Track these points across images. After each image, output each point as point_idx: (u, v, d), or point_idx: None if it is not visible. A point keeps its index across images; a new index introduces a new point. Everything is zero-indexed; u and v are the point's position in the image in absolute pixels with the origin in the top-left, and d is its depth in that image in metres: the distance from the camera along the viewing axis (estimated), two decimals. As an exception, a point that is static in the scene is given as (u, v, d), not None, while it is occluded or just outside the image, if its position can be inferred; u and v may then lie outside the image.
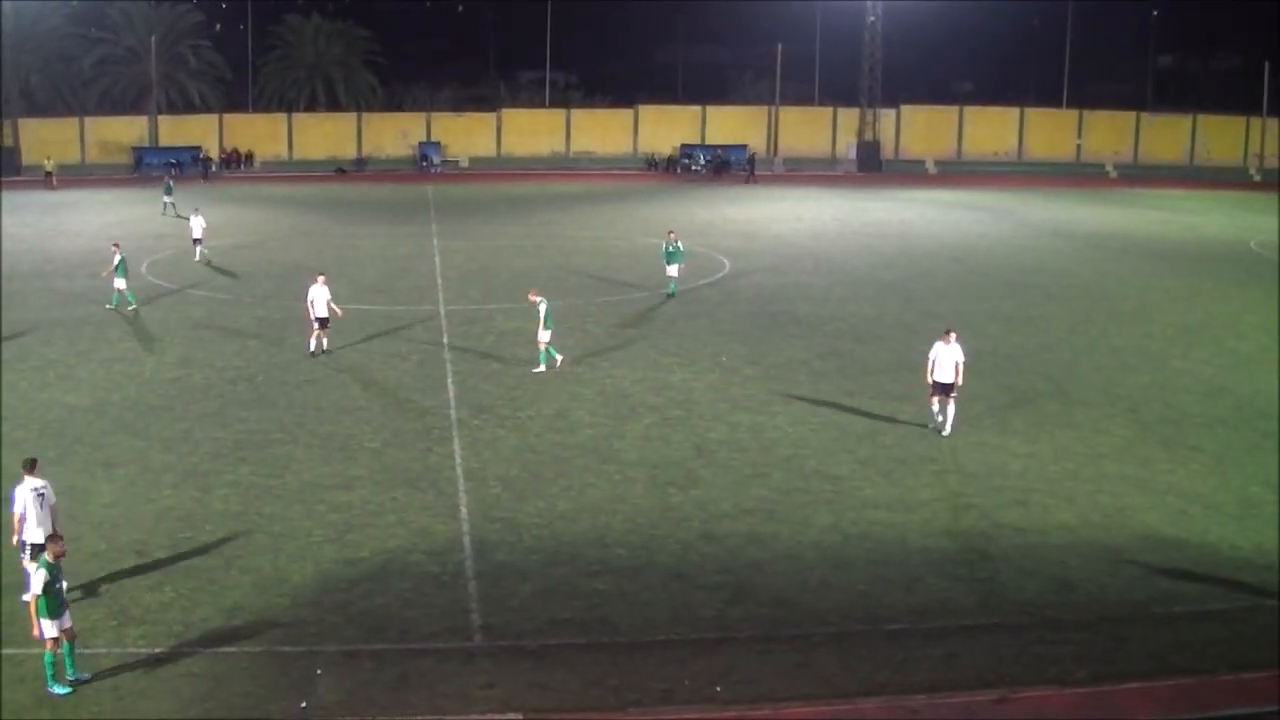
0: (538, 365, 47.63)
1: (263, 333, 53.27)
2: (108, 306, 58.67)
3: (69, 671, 24.46)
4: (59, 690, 24.11)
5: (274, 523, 32.46)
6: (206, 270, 70.11)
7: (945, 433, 39.86)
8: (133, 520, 32.63)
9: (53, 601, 24.12)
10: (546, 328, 47.40)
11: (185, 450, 38.44)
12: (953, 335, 40.20)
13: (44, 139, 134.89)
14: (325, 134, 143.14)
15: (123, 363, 49.77)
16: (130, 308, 58.55)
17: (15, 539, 27.77)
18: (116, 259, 58.52)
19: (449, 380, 46.04)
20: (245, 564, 29.84)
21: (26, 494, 27.64)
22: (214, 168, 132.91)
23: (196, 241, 72.60)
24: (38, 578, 24.04)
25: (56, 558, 24.56)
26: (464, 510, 33.16)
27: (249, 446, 38.65)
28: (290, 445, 38.77)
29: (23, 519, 27.48)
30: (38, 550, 26.27)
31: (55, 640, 24.24)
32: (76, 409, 43.28)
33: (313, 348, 49.87)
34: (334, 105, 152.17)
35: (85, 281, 64.14)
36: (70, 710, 23.62)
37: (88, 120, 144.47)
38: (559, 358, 47.87)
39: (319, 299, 49.59)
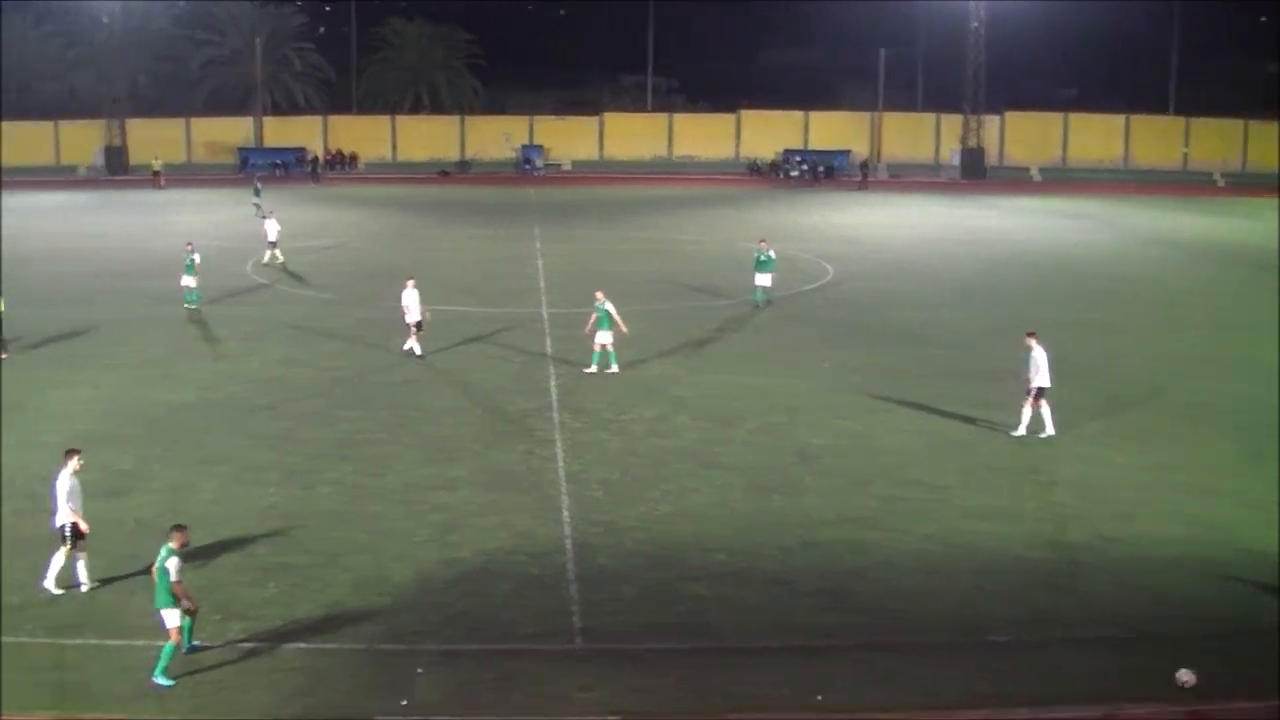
0: (590, 366, 47.70)
1: (364, 333, 53.53)
2: (188, 306, 59.20)
3: (185, 642, 25.14)
4: (164, 682, 24.31)
5: (376, 522, 32.62)
6: (310, 270, 70.54)
7: (1047, 434, 39.65)
8: (235, 517, 32.87)
9: (160, 595, 24.70)
10: (605, 329, 47.32)
11: (288, 449, 38.72)
12: (1032, 339, 39.85)
13: (152, 139, 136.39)
14: (428, 136, 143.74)
15: (225, 361, 50.24)
16: (189, 305, 59.22)
17: (61, 521, 28.43)
18: (191, 258, 59.07)
19: (551, 383, 46.09)
20: (347, 562, 30.00)
21: (67, 480, 28.40)
22: (319, 169, 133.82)
23: (271, 245, 72.82)
24: (173, 564, 24.59)
25: (182, 546, 25.05)
26: (565, 513, 33.18)
27: (351, 446, 38.88)
28: (392, 445, 38.94)
29: (69, 500, 28.29)
30: (73, 533, 27.98)
31: (179, 629, 24.77)
32: (180, 406, 43.71)
33: (407, 348, 50.11)
34: (437, 108, 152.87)
35: (199, 280, 64.76)
36: (174, 702, 23.83)
37: (194, 121, 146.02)
38: (615, 368, 47.77)
39: (412, 303, 49.85)
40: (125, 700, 23.92)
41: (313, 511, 33.47)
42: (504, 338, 53.14)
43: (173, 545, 24.95)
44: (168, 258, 69.75)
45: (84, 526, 28.43)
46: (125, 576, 29.07)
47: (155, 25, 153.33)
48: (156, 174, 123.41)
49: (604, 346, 47.51)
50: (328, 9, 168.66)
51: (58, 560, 28.50)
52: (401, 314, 50.22)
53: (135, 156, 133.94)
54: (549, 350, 50.79)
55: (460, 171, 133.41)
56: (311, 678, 24.67)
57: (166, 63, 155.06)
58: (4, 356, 49.92)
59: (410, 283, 50.19)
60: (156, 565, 24.94)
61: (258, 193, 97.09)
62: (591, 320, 47.68)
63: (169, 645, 24.62)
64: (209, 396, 44.95)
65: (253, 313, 59.13)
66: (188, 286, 59.17)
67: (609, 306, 47.26)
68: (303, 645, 25.77)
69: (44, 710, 23.56)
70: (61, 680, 24.71)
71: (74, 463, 28.81)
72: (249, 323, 56.93)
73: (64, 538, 28.34)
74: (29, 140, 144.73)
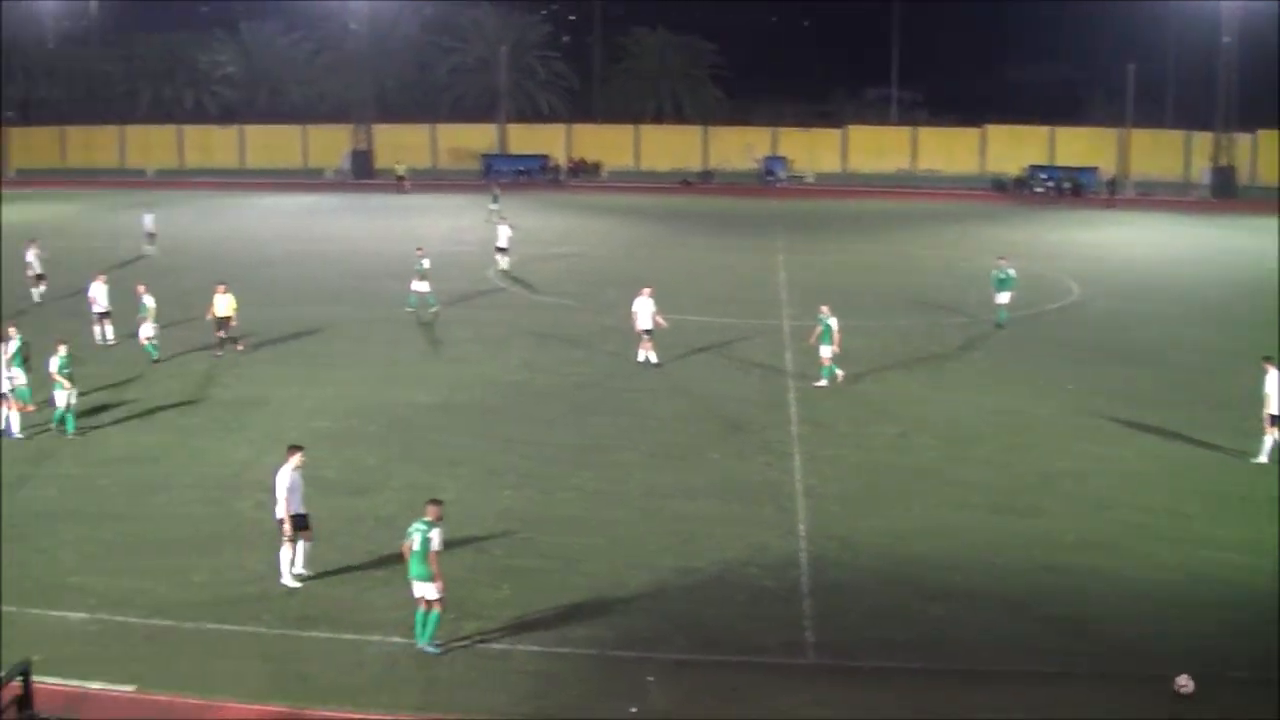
0: (820, 380, 47.40)
1: (606, 340, 53.77)
2: (407, 309, 59.98)
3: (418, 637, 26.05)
4: (431, 649, 25.81)
5: (613, 528, 32.77)
6: (552, 277, 71.10)
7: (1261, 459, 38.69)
8: (474, 518, 33.23)
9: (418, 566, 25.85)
10: (826, 343, 47.02)
11: (528, 452, 39.09)
12: (1270, 364, 38.78)
13: (398, 144, 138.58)
14: (671, 146, 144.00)
15: (468, 364, 50.82)
16: (433, 309, 59.95)
17: (280, 514, 29.21)
18: (421, 262, 59.85)
19: (790, 395, 45.91)
20: (583, 567, 30.18)
21: (289, 474, 29.22)
22: (562, 176, 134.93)
23: (501, 250, 73.06)
24: (436, 535, 25.65)
25: (437, 519, 25.98)
26: (802, 526, 33.01)
27: (591, 451, 39.13)
28: (632, 452, 39.12)
29: (289, 494, 29.09)
30: (298, 522, 28.98)
31: (441, 600, 25.80)
32: (423, 407, 44.37)
33: (641, 358, 50.27)
34: (680, 118, 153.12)
35: (435, 283, 65.55)
36: (407, 697, 24.22)
37: (440, 127, 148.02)
38: (839, 373, 47.40)
39: (643, 311, 49.97)
40: (357, 694, 24.36)
41: (550, 515, 33.74)
42: (744, 349, 53.04)
43: (429, 519, 25.91)
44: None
45: (287, 528, 29.21)
46: (355, 567, 29.58)
47: (403, 32, 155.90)
48: (401, 178, 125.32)
49: (824, 359, 47.34)
50: (572, 18, 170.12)
51: (286, 554, 29.37)
52: (632, 321, 50.47)
53: (381, 161, 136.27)
54: (789, 363, 50.60)
55: (703, 182, 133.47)
56: (543, 681, 24.87)
57: (413, 69, 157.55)
58: (239, 348, 51.58)
59: (646, 291, 50.36)
60: (418, 539, 25.78)
61: (495, 199, 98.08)
62: (815, 333, 47.49)
63: (435, 614, 25.80)
64: (452, 398, 45.57)
65: (495, 317, 59.79)
66: (418, 291, 60.00)
67: (832, 321, 47.06)
68: (535, 648, 25.99)
69: (277, 701, 24.03)
70: (296, 672, 25.17)
71: (296, 458, 29.65)
72: (492, 327, 57.54)
73: (287, 532, 29.20)
74: (278, 143, 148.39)
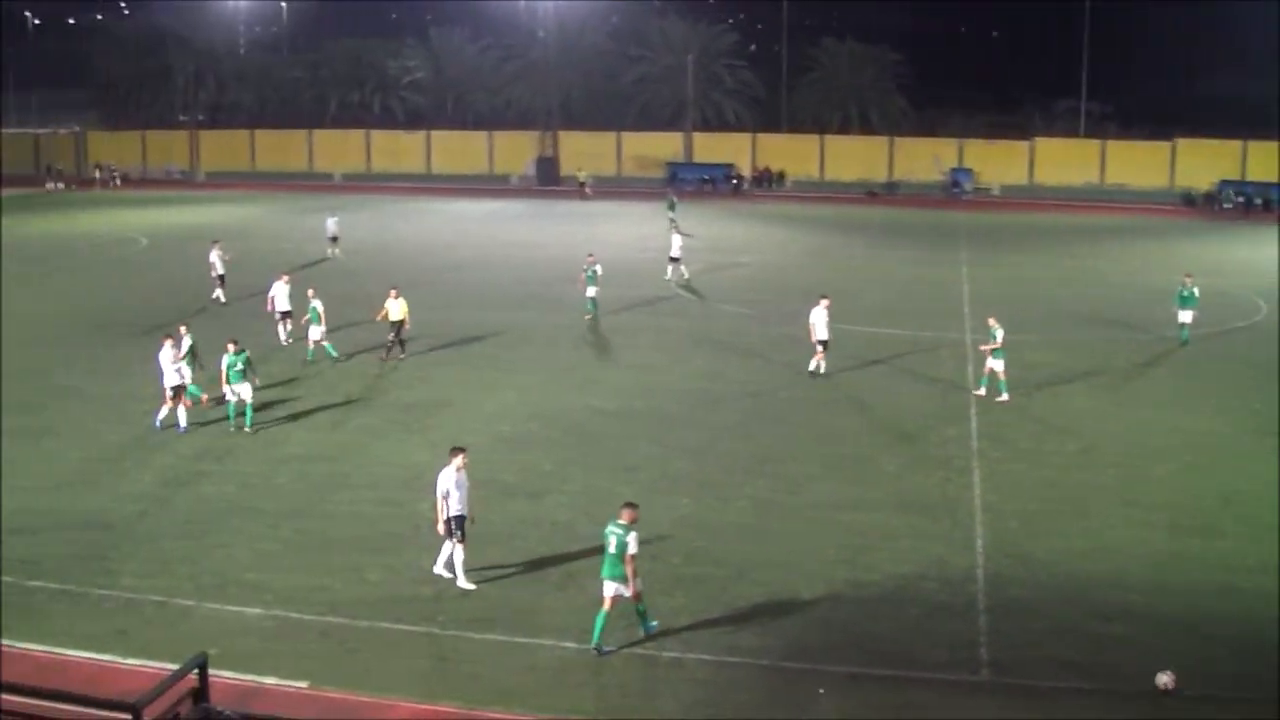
0: (978, 389, 47.25)
1: (786, 351, 53.53)
2: (586, 316, 60.16)
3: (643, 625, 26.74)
4: (606, 648, 26.17)
5: (788, 539, 32.62)
6: (733, 286, 70.99)
7: None
8: (649, 525, 33.04)
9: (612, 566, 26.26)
10: (997, 357, 46.63)
11: (704, 460, 39.08)
12: None
13: (582, 151, 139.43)
14: (856, 156, 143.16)
15: (648, 371, 50.91)
16: (588, 315, 60.29)
17: (442, 517, 29.51)
18: (593, 269, 60.02)
19: (971, 409, 45.39)
20: (757, 577, 30.06)
21: (451, 476, 29.38)
22: (745, 185, 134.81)
23: (674, 260, 72.98)
24: (633, 538, 25.97)
25: (632, 522, 26.32)
26: (979, 542, 32.62)
27: (768, 461, 38.99)
28: (808, 463, 38.93)
29: (446, 497, 29.27)
30: (458, 523, 29.15)
31: (613, 600, 26.21)
32: (602, 413, 44.53)
33: (812, 367, 49.99)
34: (866, 128, 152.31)
35: (614, 290, 65.76)
36: (581, 702, 24.33)
37: (625, 135, 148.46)
38: (1005, 395, 46.80)
39: (819, 321, 49.70)
40: (528, 697, 24.45)
41: (725, 524, 33.68)
42: (925, 362, 52.60)
43: (623, 521, 26.30)
44: (610, 266, 71.26)
45: (439, 527, 29.56)
46: (530, 571, 29.67)
47: (589, 40, 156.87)
48: (583, 185, 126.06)
49: (993, 372, 46.91)
50: (759, 27, 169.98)
51: (457, 554, 29.66)
52: (809, 331, 50.26)
53: (566, 167, 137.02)
54: (970, 377, 50.08)
55: (887, 193, 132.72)
56: (714, 690, 24.81)
57: (599, 77, 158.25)
58: (401, 356, 52.12)
59: (824, 303, 50.12)
60: (614, 542, 26.16)
61: (672, 206, 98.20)
62: (989, 348, 47.13)
63: (602, 613, 26.14)
64: (631, 405, 45.68)
65: (676, 325, 59.88)
66: (590, 297, 60.20)
67: (999, 332, 46.68)
68: (707, 656, 25.92)
69: (448, 701, 24.18)
70: (467, 673, 25.34)
71: (459, 460, 29.86)
72: (672, 334, 57.64)
73: (449, 531, 29.50)
74: (464, 149, 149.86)
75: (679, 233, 75.15)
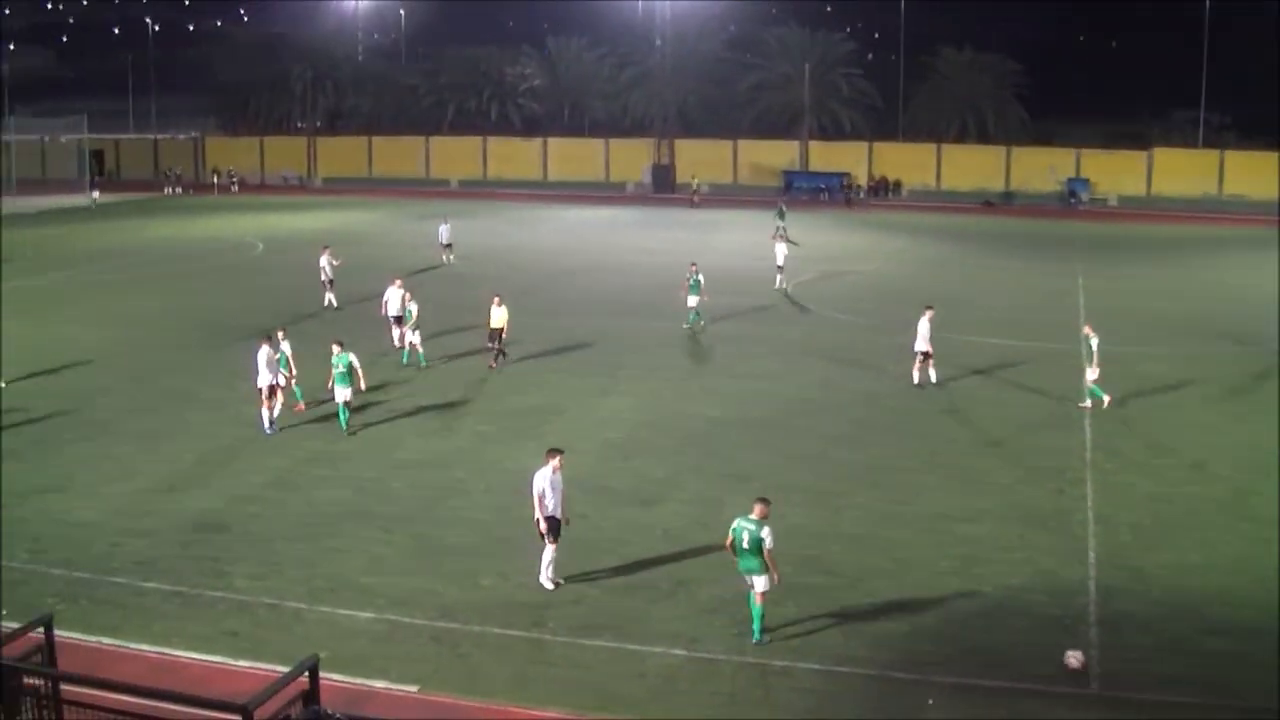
0: (1084, 401, 46.89)
1: (899, 359, 53.19)
2: (684, 326, 60.12)
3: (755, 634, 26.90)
4: (765, 640, 26.81)
5: (899, 549, 32.46)
6: (848, 295, 70.87)
7: None
8: (760, 534, 33.23)
9: (739, 558, 26.87)
10: (1090, 364, 46.46)
11: (818, 470, 38.97)
12: None
13: (697, 159, 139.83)
14: (973, 166, 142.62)
15: (760, 379, 50.86)
16: (687, 325, 60.26)
17: (535, 516, 29.82)
18: (695, 278, 59.89)
19: (1085, 421, 44.99)
20: (867, 587, 29.94)
21: (546, 478, 29.73)
22: (861, 194, 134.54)
23: (779, 269, 72.93)
24: (767, 533, 26.52)
25: (763, 516, 26.70)
26: (1091, 554, 32.26)
27: (880, 471, 38.84)
28: (921, 474, 38.73)
29: (542, 498, 29.59)
30: (551, 524, 29.64)
31: (763, 594, 26.70)
32: (715, 421, 44.53)
33: (917, 379, 49.80)
34: (983, 137, 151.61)
35: (726, 298, 65.72)
36: (687, 710, 24.24)
37: (741, 143, 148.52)
38: (1105, 398, 46.54)
39: (922, 332, 49.54)
40: (637, 704, 24.45)
41: (837, 534, 33.58)
42: (1039, 373, 52.15)
43: (755, 516, 26.67)
44: (710, 275, 71.25)
45: (542, 527, 29.76)
46: (641, 578, 29.70)
47: (705, 49, 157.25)
48: (694, 192, 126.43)
49: (1091, 381, 46.87)
50: (877, 35, 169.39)
51: (546, 554, 29.86)
52: (911, 341, 50.11)
53: (682, 175, 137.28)
54: (1086, 388, 49.67)
55: (1003, 203, 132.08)
56: (822, 699, 24.71)
57: (715, 85, 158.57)
58: (493, 366, 52.12)
59: (928, 313, 49.94)
60: (746, 537, 26.61)
61: (782, 215, 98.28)
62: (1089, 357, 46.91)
63: (759, 608, 26.74)
64: (745, 413, 45.64)
65: (789, 333, 59.83)
66: (692, 307, 60.19)
67: (1094, 341, 46.42)
68: (817, 666, 25.82)
69: (557, 707, 24.24)
70: (576, 679, 25.35)
71: (554, 462, 30.10)
72: (786, 343, 57.59)
73: (542, 534, 29.71)
74: (580, 156, 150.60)
75: (787, 241, 75.04)
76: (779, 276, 72.20)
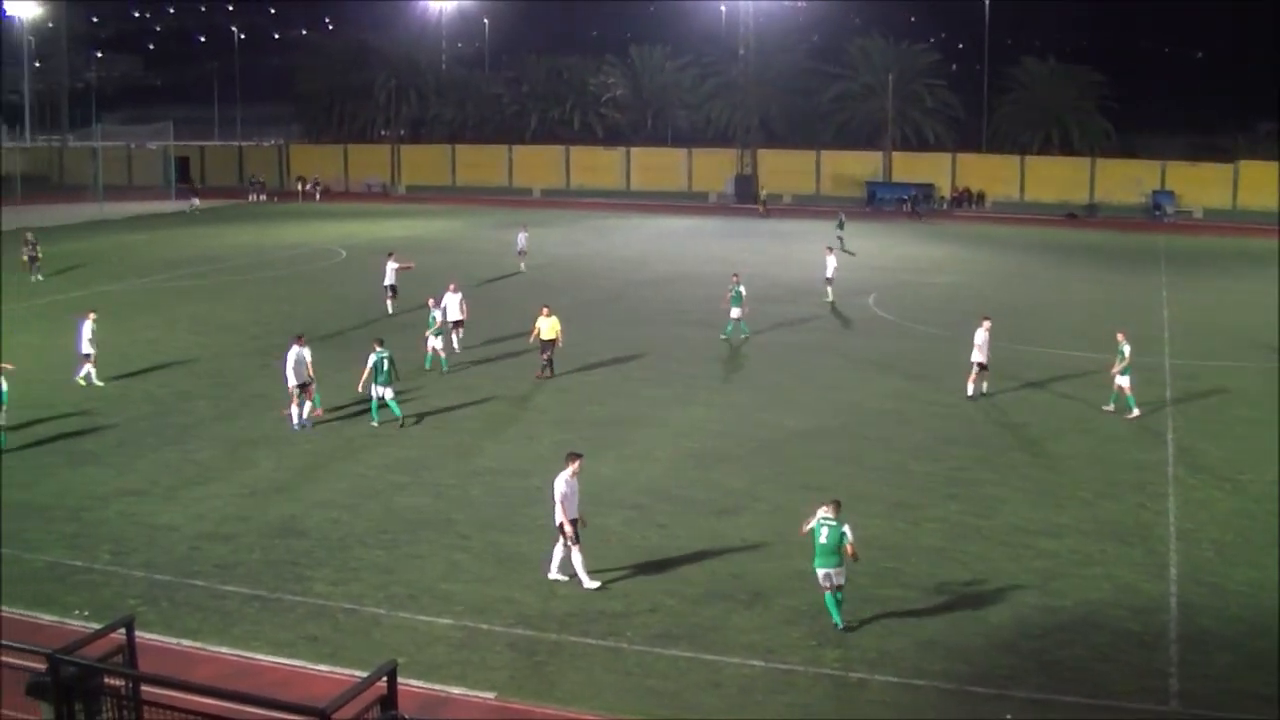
0: (1108, 405, 47.35)
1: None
2: (721, 336, 60.04)
3: (834, 616, 27.84)
4: (839, 622, 27.76)
5: (978, 562, 32.32)
6: (928, 306, 70.54)
7: None
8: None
9: (817, 554, 27.82)
10: (1125, 374, 46.74)
11: (895, 481, 38.86)
12: None
13: (781, 169, 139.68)
14: (1056, 177, 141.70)
15: (839, 390, 50.75)
16: (724, 336, 60.14)
17: (558, 519, 30.35)
18: (737, 289, 59.66)
19: (1168, 435, 44.63)
20: (945, 600, 29.81)
21: (565, 481, 30.41)
22: (929, 206, 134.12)
23: (827, 281, 72.52)
24: (848, 529, 27.62)
25: (839, 512, 27.85)
26: (1173, 570, 32.01)
27: (959, 484, 38.68)
28: (1000, 487, 38.54)
29: (564, 500, 30.17)
30: (576, 527, 30.30)
31: (823, 586, 27.74)
32: (794, 431, 44.48)
33: (971, 391, 49.66)
34: (1067, 149, 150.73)
35: (807, 309, 65.69)
36: (764, 723, 24.20)
37: (823, 153, 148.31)
38: (1135, 411, 46.66)
39: (979, 343, 49.38)
40: (712, 714, 24.46)
41: (916, 546, 33.45)
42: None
43: (831, 514, 27.81)
44: (792, 285, 71.36)
45: (568, 530, 30.25)
46: (718, 588, 29.69)
47: (789, 59, 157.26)
48: (762, 203, 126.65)
49: (1120, 389, 47.09)
50: (960, 46, 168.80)
51: (577, 556, 30.33)
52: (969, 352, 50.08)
53: (766, 185, 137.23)
54: (1169, 401, 49.31)
55: (1087, 215, 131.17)
56: (899, 711, 24.64)
57: (798, 95, 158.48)
58: (543, 375, 52.06)
59: (985, 324, 49.98)
60: (826, 533, 27.53)
61: (841, 225, 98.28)
62: (1117, 368, 47.18)
63: (826, 595, 27.77)
64: (823, 424, 45.58)
65: (868, 344, 59.67)
66: (733, 319, 59.99)
67: (1126, 348, 46.90)
68: (894, 678, 25.75)
69: (634, 716, 24.25)
70: (651, 688, 25.35)
71: (574, 466, 30.76)
72: (864, 353, 57.46)
73: (562, 535, 30.31)
74: (662, 166, 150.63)
75: (843, 251, 74.78)
76: (828, 289, 71.75)
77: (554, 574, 30.81)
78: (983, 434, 44.72)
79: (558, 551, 30.69)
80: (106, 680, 17.42)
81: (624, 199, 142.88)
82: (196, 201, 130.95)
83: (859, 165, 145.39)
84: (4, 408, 41.25)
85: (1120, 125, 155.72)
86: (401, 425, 44.37)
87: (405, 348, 51.64)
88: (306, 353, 44.99)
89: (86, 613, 28.34)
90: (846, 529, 27.36)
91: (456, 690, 24.97)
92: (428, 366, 52.94)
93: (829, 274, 71.91)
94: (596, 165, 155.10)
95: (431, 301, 54.30)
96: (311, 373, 44.99)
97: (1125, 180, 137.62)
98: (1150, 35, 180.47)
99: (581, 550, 30.39)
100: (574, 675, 25.75)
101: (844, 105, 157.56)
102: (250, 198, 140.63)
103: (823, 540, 27.32)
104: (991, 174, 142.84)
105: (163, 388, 50.31)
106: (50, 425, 44.54)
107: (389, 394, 44.33)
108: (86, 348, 50.27)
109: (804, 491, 37.40)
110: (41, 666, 17.13)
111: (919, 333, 62.84)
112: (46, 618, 28.28)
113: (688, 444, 42.68)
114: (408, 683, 22.12)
